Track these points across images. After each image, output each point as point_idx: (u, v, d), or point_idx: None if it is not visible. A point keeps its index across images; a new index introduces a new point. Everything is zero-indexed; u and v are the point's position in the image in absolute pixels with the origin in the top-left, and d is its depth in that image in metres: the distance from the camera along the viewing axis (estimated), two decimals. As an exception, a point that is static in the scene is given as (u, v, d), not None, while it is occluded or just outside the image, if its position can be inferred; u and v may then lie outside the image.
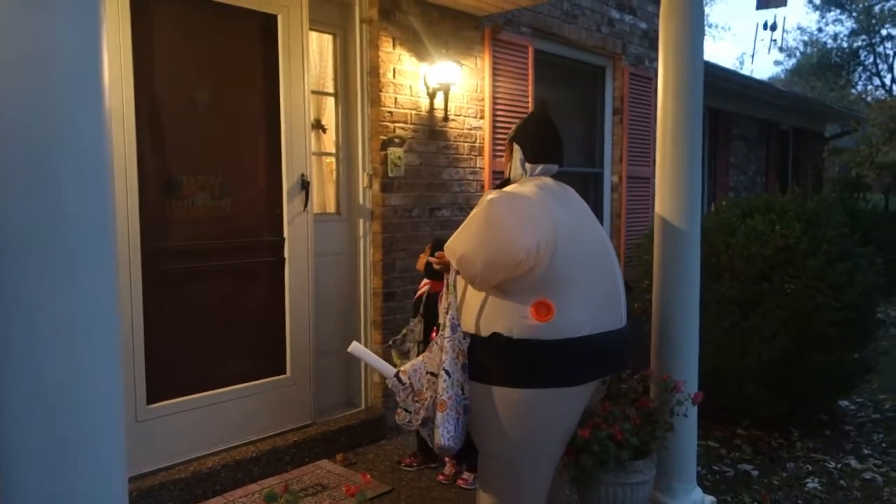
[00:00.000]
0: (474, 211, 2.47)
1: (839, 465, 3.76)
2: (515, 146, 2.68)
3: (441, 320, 2.52)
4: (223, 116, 3.48)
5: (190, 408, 3.35)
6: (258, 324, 3.64)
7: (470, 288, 2.48)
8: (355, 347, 2.75)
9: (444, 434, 2.38)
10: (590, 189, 5.99)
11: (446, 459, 3.50)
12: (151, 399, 3.22)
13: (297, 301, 3.73)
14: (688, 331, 2.96)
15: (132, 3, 3.06)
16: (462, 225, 2.49)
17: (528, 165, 2.63)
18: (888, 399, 4.85)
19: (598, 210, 6.02)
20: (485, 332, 2.39)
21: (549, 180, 2.61)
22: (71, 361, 1.16)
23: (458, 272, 2.50)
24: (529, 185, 2.55)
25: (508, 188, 2.60)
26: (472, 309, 2.46)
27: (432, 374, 2.48)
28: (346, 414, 4.02)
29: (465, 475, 3.39)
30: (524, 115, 4.88)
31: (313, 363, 3.82)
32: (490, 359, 2.39)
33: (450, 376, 2.40)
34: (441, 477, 3.49)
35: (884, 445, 4.04)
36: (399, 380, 2.56)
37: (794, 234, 4.01)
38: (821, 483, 3.55)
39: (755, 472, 3.66)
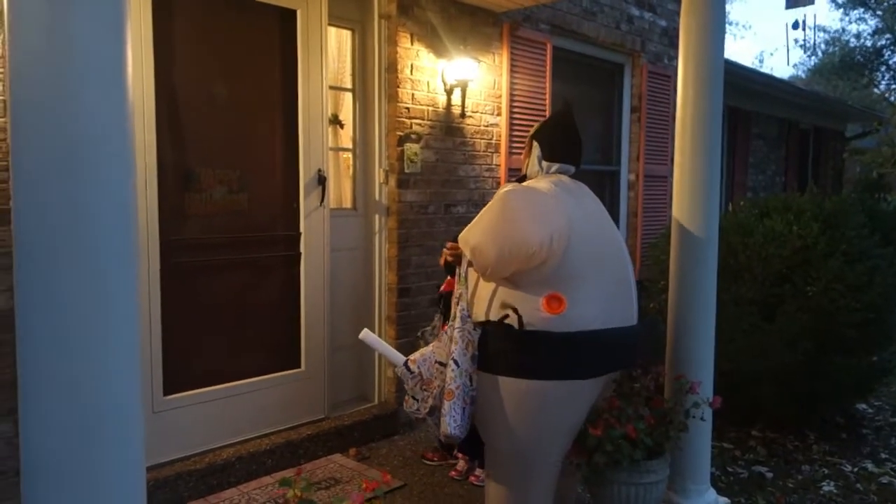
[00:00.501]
0: (489, 203, 2.50)
1: (856, 469, 3.73)
2: (535, 143, 2.71)
3: (452, 311, 2.54)
4: (242, 110, 3.50)
5: (205, 400, 3.38)
6: (273, 318, 3.67)
7: (482, 279, 2.51)
8: (366, 335, 2.79)
9: (451, 423, 2.41)
10: (606, 187, 5.96)
11: (459, 456, 3.51)
12: (168, 390, 3.26)
13: (312, 296, 3.74)
14: (704, 332, 2.95)
15: (153, -1, 3.09)
16: (477, 217, 2.51)
17: (544, 163, 2.67)
18: (906, 403, 4.80)
19: (614, 208, 5.99)
20: (495, 322, 2.42)
21: (564, 178, 2.64)
22: (94, 354, 1.19)
23: (469, 264, 2.52)
24: (545, 182, 2.57)
25: (524, 183, 2.63)
26: (483, 299, 2.49)
27: (441, 363, 2.52)
28: (359, 409, 4.03)
29: (478, 472, 3.40)
30: (541, 112, 4.90)
31: (328, 358, 3.84)
32: (499, 349, 2.41)
33: (458, 366, 2.42)
34: (453, 473, 3.50)
35: (901, 450, 4.01)
36: (408, 368, 2.60)
37: (811, 234, 3.97)
38: (837, 486, 3.52)
39: (770, 475, 3.64)
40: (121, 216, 1.21)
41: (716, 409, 2.84)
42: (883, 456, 3.91)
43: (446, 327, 2.58)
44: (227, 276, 3.49)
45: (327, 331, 3.82)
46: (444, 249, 2.92)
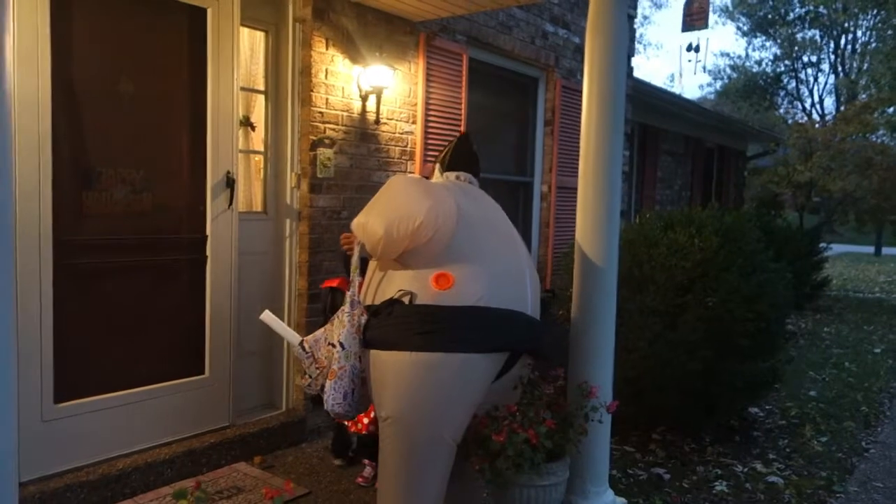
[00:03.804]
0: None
1: (746, 469, 3.93)
2: (437, 166, 3.00)
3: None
4: (147, 109, 3.39)
5: (101, 408, 3.24)
6: (177, 323, 3.55)
7: (375, 265, 2.66)
8: (267, 315, 2.90)
9: (330, 400, 2.55)
10: (520, 197, 6.09)
11: (366, 462, 3.50)
12: (60, 398, 3.10)
13: (218, 300, 3.65)
14: (604, 339, 3.04)
15: (52, -12, 2.96)
16: (372, 199, 2.65)
17: (444, 174, 2.92)
18: (794, 406, 5.09)
19: (527, 218, 6.13)
20: (384, 300, 2.52)
21: (461, 182, 2.84)
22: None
23: (361, 254, 2.65)
24: (439, 181, 2.81)
25: None
26: (374, 283, 2.64)
27: (331, 344, 2.65)
28: (266, 416, 3.96)
29: (378, 469, 3.38)
30: (457, 122, 4.97)
31: (233, 364, 3.75)
32: (387, 325, 2.49)
33: (344, 348, 2.56)
34: (360, 479, 3.48)
35: (787, 450, 4.24)
36: (303, 348, 2.74)
37: (711, 247, 4.16)
38: (728, 486, 3.69)
39: (667, 476, 3.79)
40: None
41: (614, 413, 2.94)
42: (771, 456, 4.13)
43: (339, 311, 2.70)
44: (128, 279, 3.36)
45: (234, 337, 3.74)
46: (341, 239, 3.04)
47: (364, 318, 2.57)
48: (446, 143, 3.17)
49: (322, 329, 2.77)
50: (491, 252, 2.58)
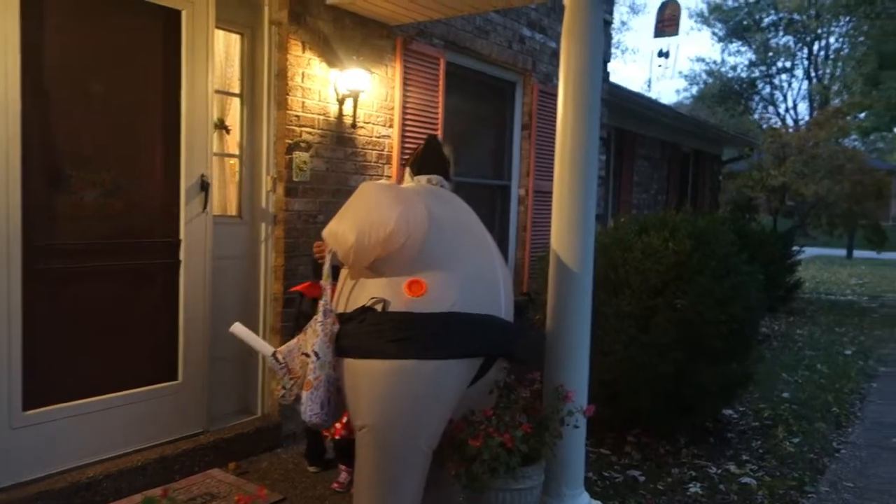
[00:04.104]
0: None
1: (720, 471, 3.97)
2: (407, 169, 3.00)
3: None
4: (120, 111, 3.35)
5: (72, 414, 3.19)
6: (150, 327, 3.51)
7: (347, 272, 2.64)
8: (237, 327, 2.86)
9: (307, 411, 2.53)
10: (497, 201, 6.11)
11: (341, 467, 3.48)
12: (29, 405, 3.05)
13: (192, 305, 3.62)
14: (579, 342, 3.06)
15: (22, -12, 2.91)
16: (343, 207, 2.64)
17: (415, 178, 2.93)
18: (767, 408, 5.16)
19: (504, 222, 6.14)
20: (357, 308, 2.51)
21: (432, 186, 2.84)
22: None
23: (333, 262, 2.63)
24: (410, 185, 2.80)
25: None
26: (347, 290, 2.62)
27: (305, 354, 2.62)
28: (241, 422, 3.92)
29: (354, 477, 3.37)
30: (434, 126, 4.97)
31: (208, 369, 3.71)
32: (360, 333, 2.47)
33: (318, 358, 2.53)
34: (336, 485, 3.46)
35: (760, 451, 4.29)
36: (276, 359, 2.71)
37: (685, 250, 4.21)
38: (702, 488, 3.73)
39: (642, 478, 3.81)
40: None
41: (590, 416, 2.96)
42: (744, 458, 4.18)
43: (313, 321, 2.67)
44: (100, 284, 3.32)
45: (208, 341, 3.70)
46: (313, 247, 3.02)
47: (336, 327, 2.55)
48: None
49: (295, 339, 2.75)
50: (464, 256, 2.57)
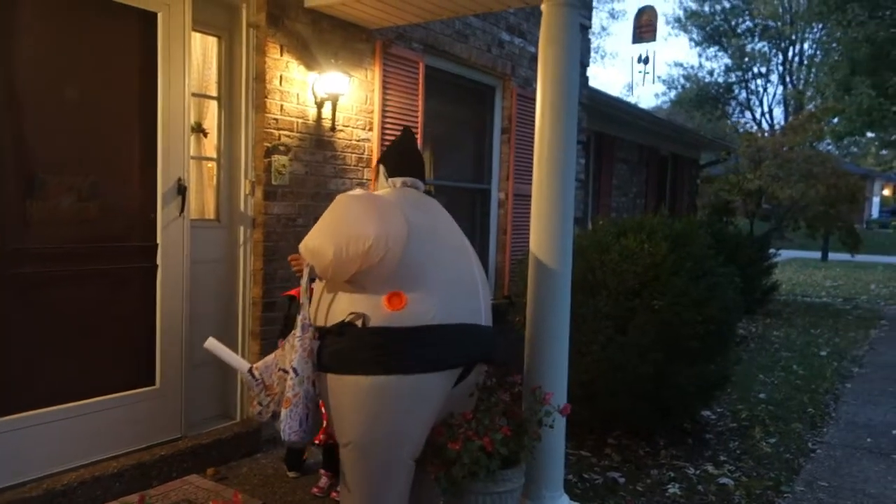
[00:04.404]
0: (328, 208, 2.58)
1: (698, 472, 4.00)
2: (380, 167, 2.89)
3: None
4: (95, 115, 3.31)
5: (46, 421, 3.15)
6: (126, 332, 3.48)
7: (325, 285, 2.58)
8: (211, 343, 2.82)
9: (286, 429, 2.49)
10: (477, 205, 6.12)
11: (321, 472, 3.47)
12: (1, 412, 3.00)
13: (169, 309, 3.58)
14: (558, 344, 3.08)
15: (-7, -11, 2.88)
16: (319, 220, 2.57)
17: (390, 180, 2.80)
18: (745, 409, 5.21)
19: (484, 226, 6.16)
20: (336, 323, 2.46)
21: (408, 190, 2.75)
22: None
23: (311, 276, 2.59)
24: (387, 193, 2.71)
25: None
26: (325, 303, 2.55)
27: (284, 370, 2.58)
28: (219, 427, 3.89)
29: (340, 488, 3.36)
30: (414, 129, 4.96)
31: (185, 374, 3.68)
32: (341, 349, 2.44)
33: (297, 374, 2.49)
34: (316, 490, 3.44)
35: (738, 452, 4.34)
36: (252, 375, 2.67)
37: (661, 252, 4.25)
38: (681, 488, 3.76)
39: (622, 480, 3.84)
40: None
41: (568, 416, 2.97)
42: (722, 458, 4.22)
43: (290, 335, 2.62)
44: (75, 289, 3.28)
45: (185, 346, 3.67)
46: (289, 261, 2.95)
47: (316, 343, 2.51)
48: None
49: (273, 354, 2.71)
50: (443, 265, 2.54)
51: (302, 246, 2.54)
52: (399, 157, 2.87)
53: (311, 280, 2.63)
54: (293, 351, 2.52)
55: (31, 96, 3.08)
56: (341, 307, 2.47)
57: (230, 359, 2.83)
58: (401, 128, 4.80)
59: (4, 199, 2.98)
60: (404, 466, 2.49)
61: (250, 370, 2.68)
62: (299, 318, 2.53)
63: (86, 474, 3.19)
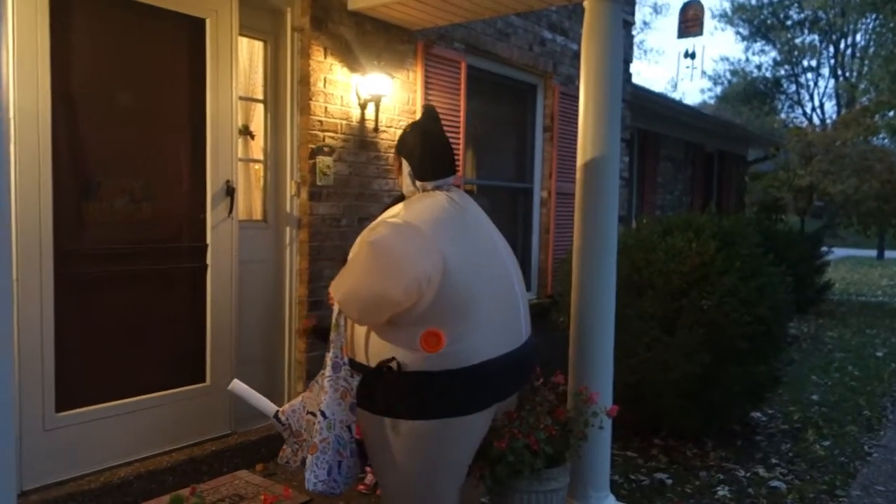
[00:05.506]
0: (355, 249, 2.38)
1: (748, 474, 3.92)
2: (403, 161, 2.57)
3: (325, 359, 2.45)
4: (147, 119, 3.41)
5: (103, 416, 3.25)
6: (177, 331, 3.57)
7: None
8: (236, 385, 2.70)
9: (311, 478, 2.31)
10: (520, 204, 6.10)
11: (367, 469, 3.49)
12: (61, 407, 3.11)
13: (218, 308, 3.66)
14: (603, 345, 3.05)
15: (51, 1, 2.98)
16: (347, 263, 2.40)
17: (419, 183, 2.53)
18: (797, 411, 5.09)
19: (527, 224, 6.13)
20: (373, 364, 2.31)
21: (440, 195, 2.49)
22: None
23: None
24: (419, 206, 2.44)
25: (400, 208, 2.52)
26: (360, 339, 2.37)
27: (312, 413, 2.42)
28: (267, 423, 3.94)
29: None
30: (456, 129, 4.97)
31: (234, 371, 3.75)
32: (379, 391, 2.31)
33: (326, 418, 2.32)
34: (362, 487, 3.47)
35: (790, 455, 4.24)
36: (278, 419, 2.51)
37: (709, 251, 4.18)
38: (730, 491, 3.69)
39: (670, 481, 3.78)
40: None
41: (614, 417, 2.94)
42: (773, 461, 4.13)
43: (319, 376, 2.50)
44: (129, 288, 3.37)
45: (234, 344, 3.75)
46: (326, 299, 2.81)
47: (356, 380, 2.35)
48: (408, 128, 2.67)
49: (299, 396, 2.57)
50: (484, 293, 2.33)
51: (332, 290, 2.35)
52: (424, 154, 2.50)
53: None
54: (322, 392, 2.36)
55: (87, 101, 3.19)
56: (375, 344, 2.32)
57: (256, 401, 2.69)
58: (444, 127, 4.83)
59: (62, 202, 3.08)
60: (451, 497, 2.46)
61: (276, 415, 2.53)
62: (329, 356, 2.37)
63: (140, 468, 3.28)
